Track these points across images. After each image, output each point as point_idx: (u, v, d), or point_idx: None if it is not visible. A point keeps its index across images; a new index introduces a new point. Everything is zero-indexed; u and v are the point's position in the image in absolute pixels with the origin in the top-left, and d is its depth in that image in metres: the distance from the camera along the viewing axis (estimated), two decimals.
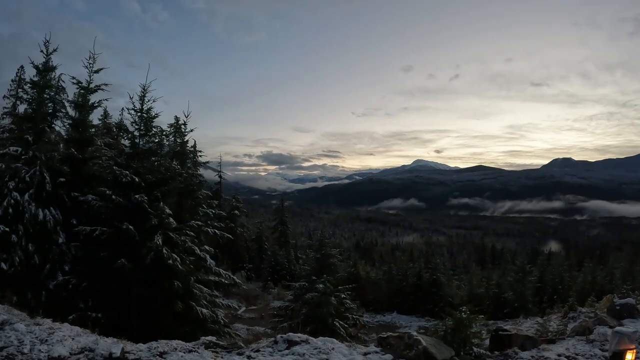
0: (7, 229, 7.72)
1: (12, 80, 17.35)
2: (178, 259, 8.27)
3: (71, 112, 9.81)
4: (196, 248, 9.38)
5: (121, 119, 17.77)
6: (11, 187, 8.08)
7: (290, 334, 6.01)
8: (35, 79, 9.14)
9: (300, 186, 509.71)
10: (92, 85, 9.77)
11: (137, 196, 8.36)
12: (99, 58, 9.68)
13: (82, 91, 9.76)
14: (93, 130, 10.14)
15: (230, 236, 17.11)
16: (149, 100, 9.24)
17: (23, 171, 8.32)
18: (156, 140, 9.69)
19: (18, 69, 17.22)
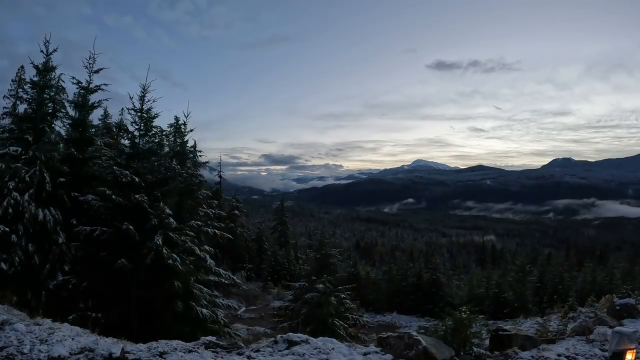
0: (7, 229, 7.71)
1: (12, 80, 17.31)
2: (178, 259, 8.26)
3: (71, 112, 9.80)
4: (196, 248, 9.38)
5: (121, 119, 17.78)
6: (11, 187, 8.07)
7: (290, 334, 6.01)
8: (35, 79, 9.13)
9: (300, 186, 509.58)
10: (92, 86, 9.77)
11: (137, 196, 8.36)
12: (99, 58, 9.69)
13: (82, 91, 9.76)
14: (93, 130, 10.14)
15: (230, 236, 17.10)
16: (149, 101, 9.23)
17: (23, 171, 8.31)
18: (156, 140, 9.68)
19: (18, 69, 17.18)
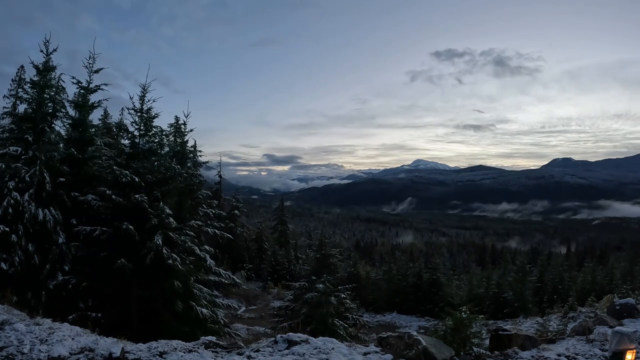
0: (7, 229, 7.71)
1: (12, 80, 17.32)
2: (178, 259, 8.26)
3: (71, 112, 9.79)
4: (196, 248, 9.38)
5: (121, 119, 17.77)
6: (11, 187, 8.07)
7: (290, 334, 6.00)
8: (35, 78, 9.12)
9: (300, 186, 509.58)
10: (92, 85, 9.76)
11: (137, 196, 8.35)
12: (99, 58, 9.69)
13: (82, 91, 9.75)
14: (93, 130, 10.12)
15: (230, 236, 17.11)
16: (149, 100, 9.23)
17: (23, 171, 8.30)
18: (156, 140, 9.67)
19: (18, 69, 17.19)
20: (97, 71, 9.78)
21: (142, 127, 9.24)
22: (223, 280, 11.69)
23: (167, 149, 12.50)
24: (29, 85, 9.22)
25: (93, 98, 9.88)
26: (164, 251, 8.08)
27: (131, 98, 9.08)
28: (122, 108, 17.65)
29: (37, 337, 5.14)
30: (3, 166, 8.23)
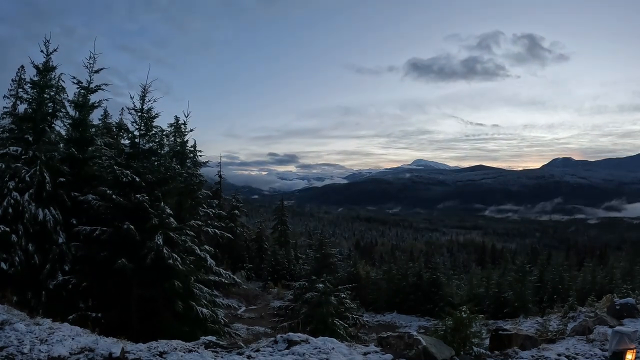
0: (7, 229, 7.71)
1: (13, 80, 17.33)
2: (178, 258, 8.27)
3: (71, 112, 9.79)
4: (196, 248, 9.39)
5: (121, 118, 17.77)
6: (11, 187, 8.07)
7: (290, 333, 6.01)
8: (36, 78, 9.12)
9: (300, 186, 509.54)
10: (92, 85, 9.77)
11: (137, 196, 8.36)
12: (99, 58, 9.71)
13: (82, 91, 9.76)
14: (93, 130, 10.13)
15: (230, 236, 17.11)
16: (149, 100, 9.24)
17: (23, 171, 8.30)
18: (156, 140, 9.68)
19: (18, 69, 17.20)
20: (97, 71, 9.80)
21: (142, 127, 9.25)
22: (223, 280, 11.69)
23: (167, 148, 12.51)
24: (29, 85, 9.23)
25: (93, 98, 9.90)
26: (165, 251, 8.09)
27: (132, 98, 9.10)
28: (122, 108, 17.66)
29: (37, 337, 5.15)
30: (3, 166, 8.23)
